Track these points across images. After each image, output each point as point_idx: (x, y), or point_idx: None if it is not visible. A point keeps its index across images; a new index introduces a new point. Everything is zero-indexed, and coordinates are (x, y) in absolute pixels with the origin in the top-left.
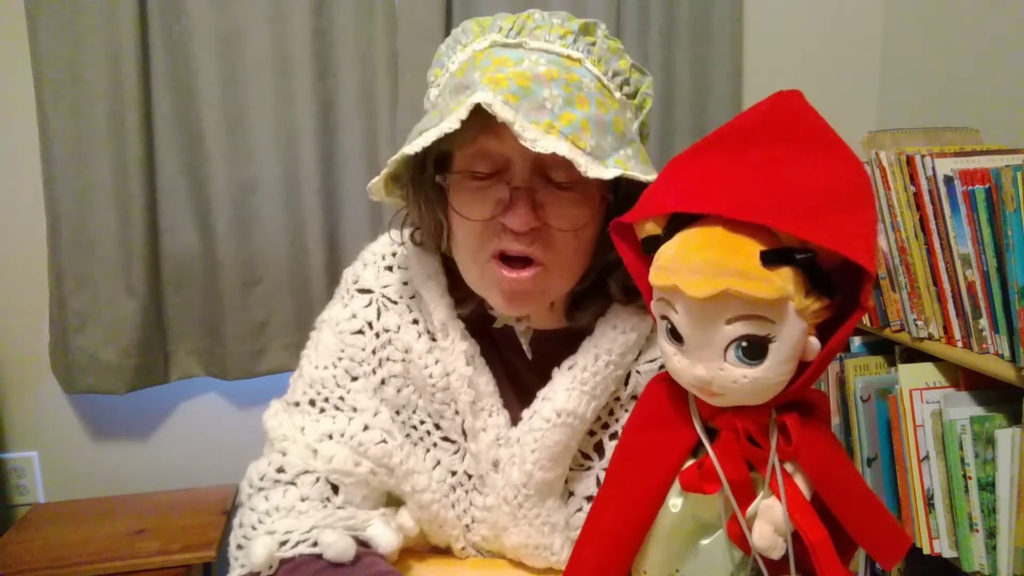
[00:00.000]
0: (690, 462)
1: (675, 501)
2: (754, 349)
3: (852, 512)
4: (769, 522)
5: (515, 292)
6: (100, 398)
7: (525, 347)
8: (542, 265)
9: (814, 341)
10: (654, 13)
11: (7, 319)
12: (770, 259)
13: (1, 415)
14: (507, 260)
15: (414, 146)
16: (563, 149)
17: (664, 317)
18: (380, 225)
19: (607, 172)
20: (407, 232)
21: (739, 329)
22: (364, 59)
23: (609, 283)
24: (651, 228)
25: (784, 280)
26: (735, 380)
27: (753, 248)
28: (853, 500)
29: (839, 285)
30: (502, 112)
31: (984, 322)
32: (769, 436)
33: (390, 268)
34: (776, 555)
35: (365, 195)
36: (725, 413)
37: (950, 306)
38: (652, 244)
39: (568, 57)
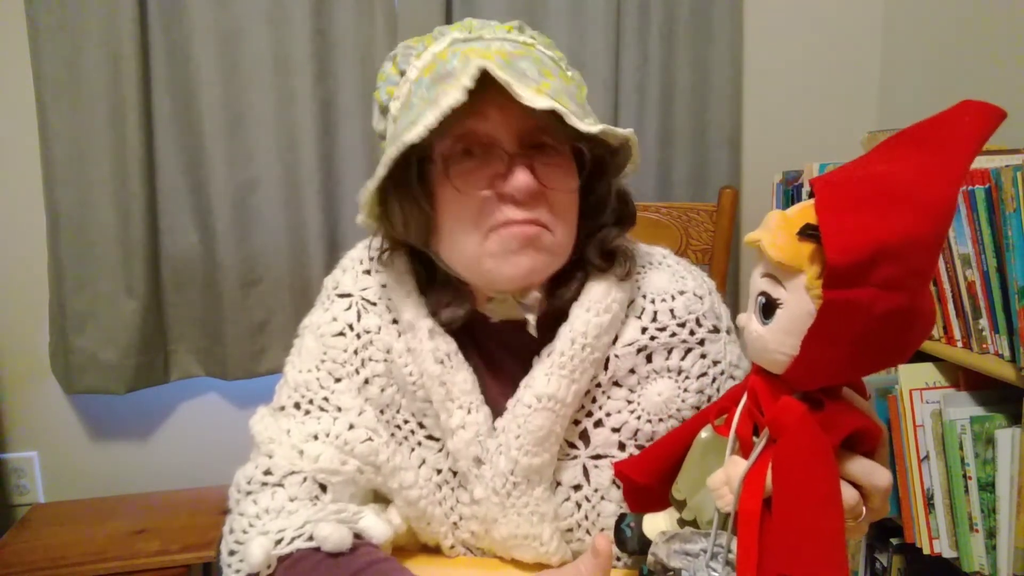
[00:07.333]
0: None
1: (704, 433)
2: (766, 308)
3: (783, 529)
4: (725, 472)
5: (528, 238)
6: (100, 398)
7: (533, 321)
8: (547, 228)
9: None
10: (654, 13)
11: (7, 319)
12: (802, 231)
13: (1, 415)
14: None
15: (413, 135)
16: (556, 105)
17: None
18: None
19: (593, 127)
20: (376, 244)
21: (763, 284)
22: (364, 59)
23: (588, 252)
24: None
25: (801, 253)
26: (750, 332)
27: (809, 220)
28: (793, 521)
29: None
30: (501, 72)
31: (984, 322)
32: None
33: (368, 272)
34: (720, 505)
35: None
36: (755, 371)
37: (950, 306)
38: None
39: (524, 43)
